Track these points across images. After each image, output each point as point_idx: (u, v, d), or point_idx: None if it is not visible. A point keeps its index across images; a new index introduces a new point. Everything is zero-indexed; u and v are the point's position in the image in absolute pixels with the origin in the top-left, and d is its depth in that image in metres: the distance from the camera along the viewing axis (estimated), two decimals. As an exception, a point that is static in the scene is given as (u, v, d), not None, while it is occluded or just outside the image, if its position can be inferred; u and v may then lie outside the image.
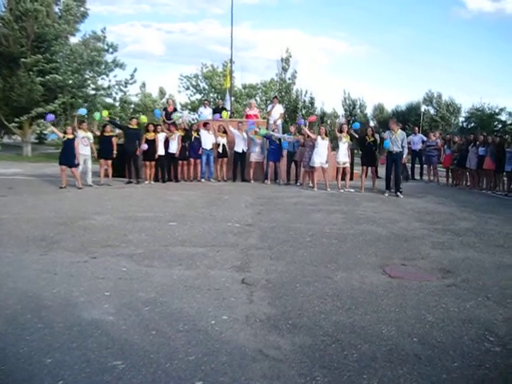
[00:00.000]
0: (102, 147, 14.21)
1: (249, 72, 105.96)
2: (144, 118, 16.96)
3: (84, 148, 13.51)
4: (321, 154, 14.10)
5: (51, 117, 14.61)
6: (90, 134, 13.95)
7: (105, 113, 16.16)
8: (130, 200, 11.16)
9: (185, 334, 3.84)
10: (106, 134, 14.14)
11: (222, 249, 6.63)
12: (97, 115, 14.94)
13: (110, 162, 14.23)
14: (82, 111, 15.46)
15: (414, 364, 3.45)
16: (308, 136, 14.64)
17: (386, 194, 13.06)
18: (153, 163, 14.80)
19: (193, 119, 16.92)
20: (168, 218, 8.77)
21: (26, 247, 6.47)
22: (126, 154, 14.56)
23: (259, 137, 15.62)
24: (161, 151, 14.70)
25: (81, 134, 13.56)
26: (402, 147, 13.21)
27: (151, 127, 14.85)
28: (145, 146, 14.29)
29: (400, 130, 13.52)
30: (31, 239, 6.92)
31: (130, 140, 14.46)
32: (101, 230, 7.70)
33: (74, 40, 28.86)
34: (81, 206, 9.97)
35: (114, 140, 14.37)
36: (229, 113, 18.88)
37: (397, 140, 13.13)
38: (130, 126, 14.76)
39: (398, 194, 13.05)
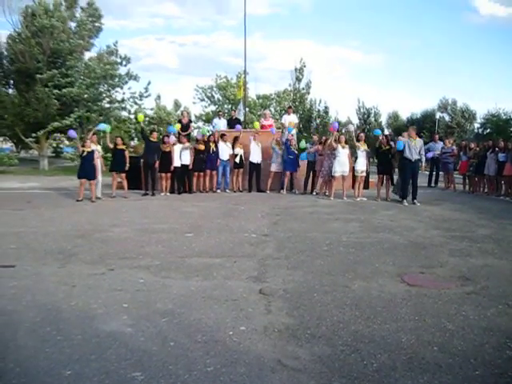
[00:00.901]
0: (115, 160, 14.30)
1: (262, 82, 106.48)
2: (141, 117, 17.00)
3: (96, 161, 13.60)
4: (342, 162, 14.06)
5: (74, 133, 14.65)
6: (99, 147, 14.13)
7: (140, 117, 16.36)
8: (146, 212, 11.22)
9: (203, 345, 3.83)
10: (119, 147, 14.22)
11: (239, 259, 6.63)
12: (107, 127, 14.99)
13: (123, 174, 14.32)
14: (103, 127, 15.28)
15: (434, 373, 3.41)
16: (327, 144, 14.58)
17: (406, 203, 12.94)
18: (168, 175, 14.90)
19: (208, 131, 16.87)
20: (184, 230, 8.80)
21: (44, 260, 6.53)
22: (146, 166, 14.74)
23: (281, 147, 15.66)
24: (176, 163, 14.83)
25: (91, 147, 13.54)
26: (420, 155, 13.14)
27: (166, 139, 14.94)
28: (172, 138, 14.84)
29: (418, 138, 13.46)
30: (49, 252, 6.98)
31: (150, 152, 14.63)
32: (118, 242, 7.75)
33: (88, 54, 29.32)
34: (98, 219, 10.05)
35: (127, 153, 14.50)
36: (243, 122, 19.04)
37: (416, 147, 13.04)
38: (151, 139, 14.89)
39: (415, 202, 12.96)
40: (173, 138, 15.07)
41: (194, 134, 17.83)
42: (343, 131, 15.43)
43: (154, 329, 4.15)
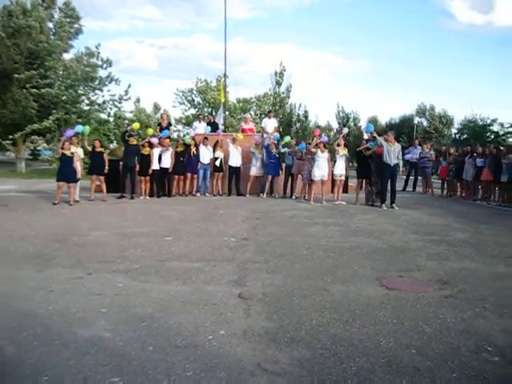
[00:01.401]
0: (94, 163, 14.21)
1: (243, 86, 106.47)
2: (137, 125, 17.00)
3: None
4: (321, 167, 14.18)
5: (70, 132, 14.34)
6: (80, 150, 14.02)
7: (136, 126, 16.30)
8: (125, 216, 11.16)
9: (182, 350, 3.82)
10: (97, 150, 14.16)
11: (219, 263, 6.62)
12: (86, 129, 14.77)
13: (102, 177, 14.23)
14: (79, 128, 14.96)
15: (413, 376, 3.45)
16: (308, 148, 14.70)
17: (384, 207, 13.04)
18: (147, 178, 14.86)
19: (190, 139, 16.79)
20: (163, 233, 8.76)
21: (21, 264, 6.44)
22: (125, 169, 14.68)
23: (260, 151, 15.71)
24: (155, 166, 14.81)
25: (71, 149, 13.46)
26: (398, 159, 13.26)
27: (146, 143, 14.94)
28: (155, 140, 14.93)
29: (397, 143, 13.60)
30: (26, 256, 6.88)
31: (129, 155, 14.56)
32: (96, 245, 7.68)
33: (67, 56, 29.04)
34: (76, 223, 9.95)
35: (106, 156, 14.42)
36: (221, 126, 19.05)
37: (395, 152, 13.16)
38: (130, 143, 14.81)
39: (394, 206, 13.08)
40: (155, 140, 15.05)
41: (174, 136, 17.71)
42: (341, 135, 15.37)
43: (132, 333, 4.13)
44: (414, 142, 20.47)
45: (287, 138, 16.31)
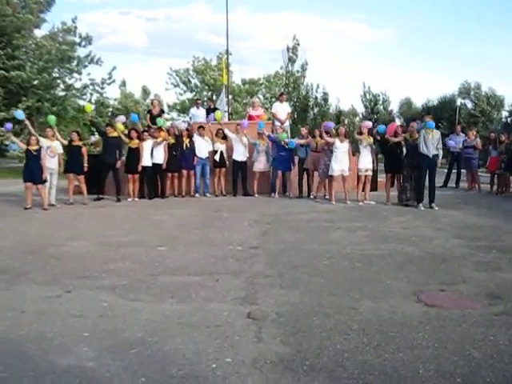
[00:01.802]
0: (70, 159, 14.12)
1: (248, 65, 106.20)
2: (89, 107, 16.85)
3: (50, 160, 13.39)
4: (340, 159, 14.05)
5: (9, 126, 14.52)
6: (57, 144, 13.87)
7: (88, 107, 16.16)
8: (110, 222, 11.19)
9: (180, 381, 3.82)
10: (75, 144, 14.06)
11: (223, 277, 6.62)
12: (51, 119, 14.63)
13: (81, 177, 14.16)
14: (19, 115, 15.00)
15: (458, 411, 3.43)
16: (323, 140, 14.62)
17: (422, 207, 12.99)
18: (136, 176, 14.85)
19: (189, 125, 16.71)
20: (156, 243, 8.77)
21: (-13, 281, 6.48)
22: (105, 166, 14.61)
23: (264, 142, 15.60)
24: (147, 162, 14.80)
25: (45, 143, 13.44)
26: (438, 149, 13.15)
27: (134, 134, 14.89)
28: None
29: (435, 130, 13.48)
30: (-7, 271, 6.93)
31: (108, 150, 14.48)
32: (76, 258, 7.70)
33: (39, 32, 29.06)
34: (52, 231, 10.00)
35: (85, 150, 14.29)
36: (223, 112, 18.72)
37: (433, 140, 13.05)
38: (109, 134, 14.79)
39: (433, 205, 13.02)
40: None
41: (168, 125, 17.65)
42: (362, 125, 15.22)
43: (120, 362, 4.13)
44: (456, 127, 20.30)
45: (283, 136, 15.53)
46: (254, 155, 15.72)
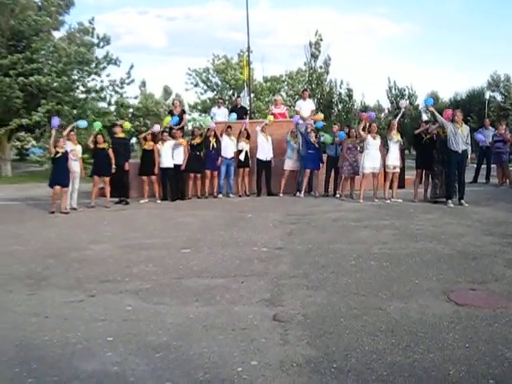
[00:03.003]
0: (97, 162, 14.31)
1: (270, 62, 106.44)
2: (127, 125, 16.93)
3: (73, 164, 13.57)
4: (373, 156, 14.02)
5: (56, 121, 14.45)
6: (79, 147, 14.05)
7: (127, 126, 16.31)
8: (133, 224, 11.27)
9: (206, 385, 3.85)
10: (100, 146, 14.23)
11: (248, 279, 6.64)
12: (97, 124, 14.95)
13: (107, 179, 14.33)
14: (82, 124, 15.38)
15: (491, 412, 3.41)
16: (351, 135, 14.56)
17: (451, 204, 12.88)
18: (152, 178, 14.97)
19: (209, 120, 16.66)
20: (180, 245, 8.83)
21: (10, 286, 6.56)
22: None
23: (296, 140, 15.61)
24: (168, 163, 14.90)
25: (69, 146, 13.58)
26: (467, 144, 13.02)
27: (149, 136, 15.08)
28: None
29: (464, 124, 13.35)
30: (15, 276, 7.01)
31: (116, 152, 14.54)
32: (99, 262, 7.78)
33: (57, 35, 29.23)
34: (73, 234, 10.10)
35: (111, 152, 14.40)
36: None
37: (463, 135, 12.92)
38: (116, 136, 14.94)
39: (462, 202, 12.90)
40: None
41: (189, 127, 17.73)
42: (402, 109, 15.13)
43: (145, 366, 4.16)
44: (485, 121, 20.10)
45: (328, 139, 15.47)
46: (288, 153, 15.66)
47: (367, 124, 14.52)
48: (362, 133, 14.23)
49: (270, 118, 16.45)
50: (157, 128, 15.35)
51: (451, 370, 3.97)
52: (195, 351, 4.41)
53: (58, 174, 13.04)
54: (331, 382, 3.85)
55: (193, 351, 4.42)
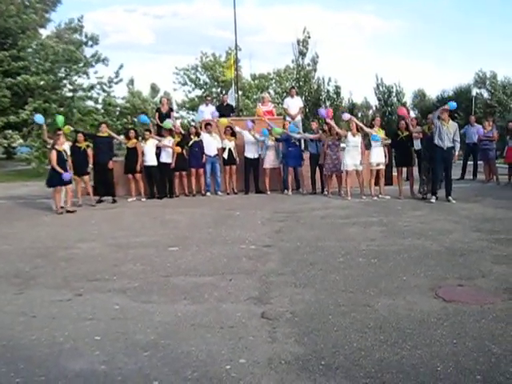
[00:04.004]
0: (76, 160, 13.97)
1: (258, 60, 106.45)
2: (67, 129, 16.50)
3: None
4: (353, 154, 14.07)
5: (41, 118, 14.31)
6: (66, 146, 13.93)
7: (67, 129, 15.94)
8: (120, 223, 11.24)
9: (194, 383, 3.84)
10: (79, 145, 14.08)
11: (236, 277, 6.64)
12: (59, 119, 14.57)
13: (86, 178, 14.24)
14: (39, 119, 14.75)
15: (479, 408, 3.42)
16: (332, 132, 14.55)
17: (433, 200, 12.92)
18: (137, 176, 14.96)
19: (172, 124, 16.48)
20: (167, 243, 8.81)
21: (-3, 286, 6.53)
22: (96, 167, 14.57)
23: (272, 138, 15.58)
24: (152, 161, 14.91)
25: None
26: (454, 141, 13.05)
27: (132, 133, 15.07)
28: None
29: (452, 121, 13.37)
30: (3, 276, 6.97)
31: (100, 151, 14.45)
32: (86, 260, 7.75)
33: (44, 32, 29.10)
34: (61, 233, 10.05)
35: (90, 151, 14.28)
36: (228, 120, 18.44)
37: (449, 133, 12.96)
38: (100, 134, 14.84)
39: (450, 198, 12.94)
40: None
41: (178, 124, 17.61)
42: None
43: (133, 365, 4.15)
44: (471, 118, 20.15)
45: (278, 130, 15.42)
46: (263, 151, 15.69)
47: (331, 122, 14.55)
48: (339, 131, 14.30)
49: (259, 110, 16.44)
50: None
51: (439, 366, 3.98)
52: (183, 349, 4.41)
53: (59, 172, 12.70)
54: (319, 379, 3.85)
55: (181, 349, 4.41)
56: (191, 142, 15.33)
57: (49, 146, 13.35)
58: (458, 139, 13.19)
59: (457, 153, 13.38)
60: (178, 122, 16.07)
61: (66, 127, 15.50)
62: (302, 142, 16.19)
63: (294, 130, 15.36)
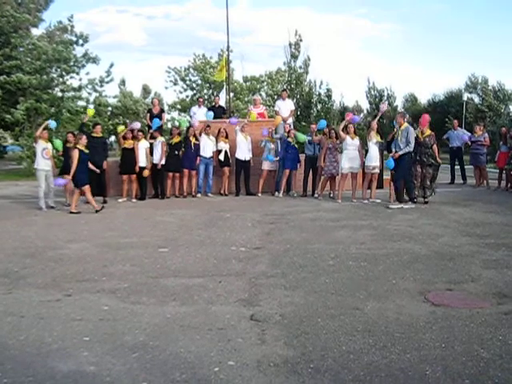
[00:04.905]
0: (65, 161, 14.04)
1: (251, 61, 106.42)
2: (91, 112, 16.79)
3: (45, 162, 13.42)
4: (351, 157, 14.09)
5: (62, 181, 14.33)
6: (50, 145, 13.85)
7: (91, 112, 16.12)
8: (110, 223, 11.19)
9: (182, 385, 3.83)
10: (69, 146, 13.94)
11: (225, 279, 6.63)
12: (52, 123, 14.75)
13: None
14: (53, 124, 15.01)
15: (466, 412, 3.43)
16: (331, 135, 14.55)
17: (406, 206, 12.96)
18: (132, 177, 14.91)
19: (188, 121, 16.60)
20: (157, 244, 8.79)
21: (-15, 286, 6.50)
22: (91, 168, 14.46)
23: (273, 140, 15.63)
24: (143, 162, 14.85)
25: (41, 144, 13.45)
26: (408, 144, 12.95)
27: (129, 134, 14.98)
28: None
29: (405, 124, 13.31)
30: (-9, 276, 6.94)
31: (95, 151, 14.31)
32: (76, 261, 7.72)
33: (36, 32, 29.01)
34: (51, 233, 10.01)
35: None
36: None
37: (401, 137, 13.02)
38: (94, 135, 14.68)
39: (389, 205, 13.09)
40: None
41: (168, 125, 17.69)
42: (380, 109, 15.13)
43: (122, 366, 4.13)
44: (454, 122, 20.14)
45: (302, 137, 15.66)
46: (265, 154, 15.66)
47: (347, 124, 14.55)
48: (341, 133, 14.27)
49: (253, 114, 16.47)
50: (136, 125, 15.24)
51: (427, 370, 3.98)
52: (172, 351, 4.39)
53: (68, 167, 12.84)
54: (308, 381, 3.84)
55: (169, 351, 4.40)
56: (191, 144, 15.29)
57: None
58: (412, 142, 13.05)
59: (393, 151, 13.22)
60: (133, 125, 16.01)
61: (90, 110, 15.66)
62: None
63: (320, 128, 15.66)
